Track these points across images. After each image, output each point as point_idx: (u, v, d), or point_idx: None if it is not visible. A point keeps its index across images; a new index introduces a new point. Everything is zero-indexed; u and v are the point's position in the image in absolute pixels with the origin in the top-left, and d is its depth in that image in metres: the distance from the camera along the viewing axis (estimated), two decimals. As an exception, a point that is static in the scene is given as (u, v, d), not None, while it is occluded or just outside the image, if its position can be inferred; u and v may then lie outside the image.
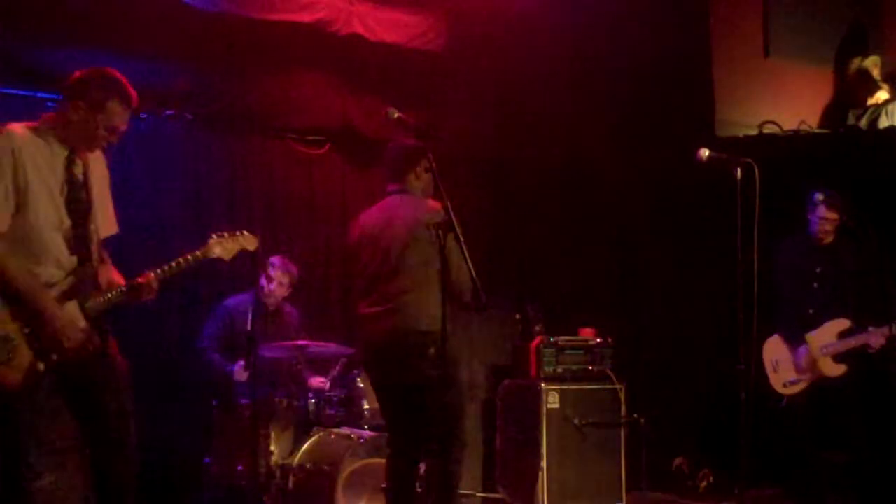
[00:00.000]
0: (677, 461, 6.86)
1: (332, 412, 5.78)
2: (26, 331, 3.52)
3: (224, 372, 5.79)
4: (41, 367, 3.53)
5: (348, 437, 5.30)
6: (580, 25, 7.04)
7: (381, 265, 4.46)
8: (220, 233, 4.04)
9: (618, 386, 6.12)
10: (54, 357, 3.55)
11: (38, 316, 3.52)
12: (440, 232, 3.84)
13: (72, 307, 3.62)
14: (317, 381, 5.98)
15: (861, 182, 6.19)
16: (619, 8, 6.97)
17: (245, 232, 4.11)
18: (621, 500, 6.03)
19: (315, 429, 5.51)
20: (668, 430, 6.42)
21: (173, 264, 3.88)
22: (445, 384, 4.18)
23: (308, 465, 5.27)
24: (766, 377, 5.64)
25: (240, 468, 5.38)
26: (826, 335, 5.55)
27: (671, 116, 7.01)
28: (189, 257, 3.92)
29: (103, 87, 3.74)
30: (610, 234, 7.35)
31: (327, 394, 5.85)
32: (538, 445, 5.88)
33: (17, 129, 3.65)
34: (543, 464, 5.82)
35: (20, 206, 3.56)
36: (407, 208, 4.48)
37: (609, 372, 6.16)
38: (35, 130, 3.68)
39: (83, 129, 3.70)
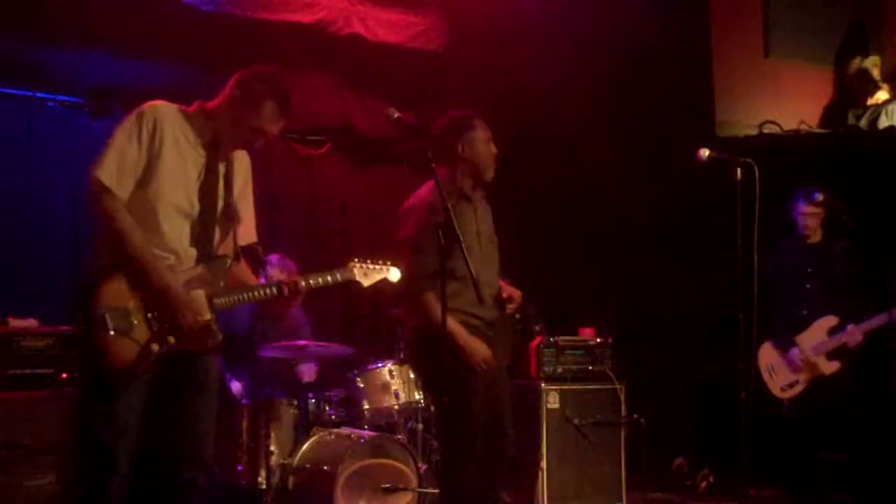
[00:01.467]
0: (677, 461, 6.86)
1: (332, 412, 5.79)
2: (147, 311, 3.34)
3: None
4: (155, 348, 3.33)
5: (348, 437, 5.29)
6: (580, 25, 7.05)
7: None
8: (363, 259, 3.90)
9: (618, 386, 6.11)
10: (171, 340, 3.35)
11: (157, 293, 3.33)
12: (440, 232, 3.83)
13: (198, 296, 3.43)
14: (307, 372, 5.97)
15: (861, 182, 6.20)
16: (619, 9, 6.97)
17: (390, 264, 3.97)
18: (621, 500, 6.02)
19: (315, 429, 5.51)
20: (668, 430, 6.41)
21: (320, 280, 3.72)
22: (450, 385, 4.08)
23: (308, 465, 5.27)
24: (764, 384, 5.64)
25: (240, 468, 5.37)
26: (816, 334, 5.55)
27: (671, 116, 7.02)
28: (329, 278, 3.76)
29: (264, 86, 3.55)
30: (610, 234, 7.35)
31: (327, 394, 5.85)
32: (538, 445, 5.87)
33: (165, 104, 3.52)
34: (543, 464, 5.81)
35: (146, 179, 3.40)
36: (420, 194, 4.30)
37: (609, 372, 6.14)
38: (184, 112, 3.54)
39: (232, 123, 3.54)
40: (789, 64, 7.61)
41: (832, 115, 7.62)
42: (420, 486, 5.20)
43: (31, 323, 5.01)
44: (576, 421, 5.97)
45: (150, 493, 3.42)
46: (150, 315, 3.35)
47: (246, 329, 5.56)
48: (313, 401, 5.75)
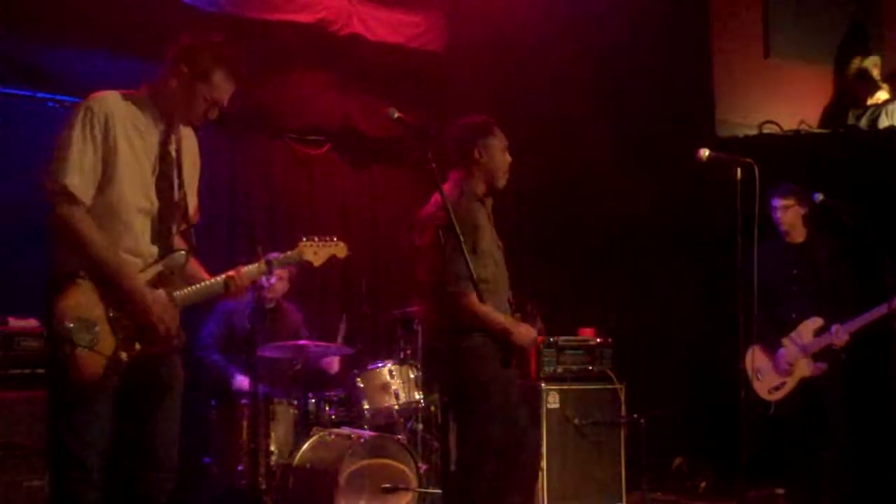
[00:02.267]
0: (677, 461, 6.85)
1: (332, 412, 5.79)
2: (111, 316, 3.23)
3: (224, 376, 5.79)
4: (124, 356, 3.24)
5: (348, 437, 5.30)
6: (580, 25, 7.05)
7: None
8: (311, 237, 3.81)
9: (618, 386, 6.11)
10: (138, 347, 3.27)
11: (126, 299, 3.24)
12: (441, 233, 3.84)
13: (160, 296, 3.34)
14: (327, 362, 6.01)
15: (861, 182, 6.19)
16: (619, 9, 6.97)
17: (335, 238, 3.88)
18: (621, 500, 6.03)
19: (315, 429, 5.51)
20: (668, 430, 6.41)
21: (264, 266, 3.64)
22: (476, 387, 4.13)
23: (308, 465, 5.27)
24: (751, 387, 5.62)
25: (240, 468, 5.38)
26: (802, 336, 5.50)
27: (671, 116, 7.01)
28: (280, 257, 3.71)
29: (210, 54, 3.40)
30: (610, 234, 7.35)
31: (327, 394, 5.86)
32: (538, 445, 5.87)
33: (112, 95, 3.35)
34: (543, 464, 5.81)
35: (105, 181, 3.26)
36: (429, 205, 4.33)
37: (609, 372, 6.15)
38: (131, 98, 3.38)
39: (183, 98, 3.40)
40: (789, 64, 7.61)
41: (832, 115, 7.62)
42: (420, 486, 5.20)
43: (31, 323, 5.01)
44: (576, 421, 5.97)
45: (117, 496, 3.36)
46: (114, 322, 3.25)
47: (246, 329, 5.57)
48: (313, 401, 5.75)
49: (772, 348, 5.57)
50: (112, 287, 3.24)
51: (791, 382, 5.53)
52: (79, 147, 3.25)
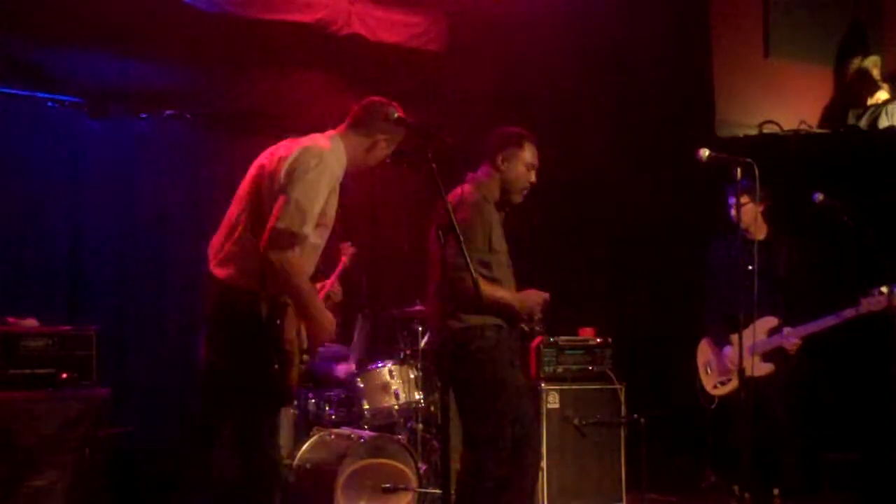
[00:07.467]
0: (677, 461, 6.84)
1: (332, 412, 5.79)
2: None
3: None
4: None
5: (348, 437, 5.30)
6: (580, 26, 7.04)
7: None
8: None
9: (618, 386, 6.11)
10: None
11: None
12: (440, 232, 3.84)
13: None
14: (342, 370, 6.03)
15: (861, 182, 6.19)
16: (619, 8, 6.97)
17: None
18: (621, 500, 6.03)
19: (315, 429, 5.51)
20: (668, 430, 6.41)
21: None
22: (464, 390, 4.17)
23: (308, 465, 5.27)
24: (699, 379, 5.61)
25: (240, 468, 5.37)
26: (754, 333, 5.34)
27: (671, 116, 7.01)
28: None
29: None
30: (610, 234, 7.35)
31: (327, 394, 5.85)
32: (538, 445, 5.87)
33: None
34: (543, 464, 5.81)
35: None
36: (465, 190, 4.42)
37: (609, 372, 6.15)
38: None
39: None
40: (789, 64, 7.61)
41: (832, 115, 7.61)
42: (420, 486, 5.20)
43: (31, 323, 5.01)
44: (576, 421, 5.98)
45: None
46: None
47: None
48: (313, 401, 5.75)
49: (720, 343, 5.53)
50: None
51: (736, 380, 5.28)
52: None
